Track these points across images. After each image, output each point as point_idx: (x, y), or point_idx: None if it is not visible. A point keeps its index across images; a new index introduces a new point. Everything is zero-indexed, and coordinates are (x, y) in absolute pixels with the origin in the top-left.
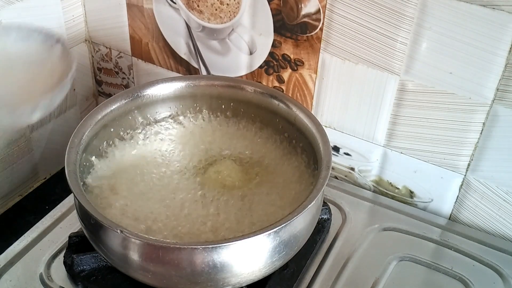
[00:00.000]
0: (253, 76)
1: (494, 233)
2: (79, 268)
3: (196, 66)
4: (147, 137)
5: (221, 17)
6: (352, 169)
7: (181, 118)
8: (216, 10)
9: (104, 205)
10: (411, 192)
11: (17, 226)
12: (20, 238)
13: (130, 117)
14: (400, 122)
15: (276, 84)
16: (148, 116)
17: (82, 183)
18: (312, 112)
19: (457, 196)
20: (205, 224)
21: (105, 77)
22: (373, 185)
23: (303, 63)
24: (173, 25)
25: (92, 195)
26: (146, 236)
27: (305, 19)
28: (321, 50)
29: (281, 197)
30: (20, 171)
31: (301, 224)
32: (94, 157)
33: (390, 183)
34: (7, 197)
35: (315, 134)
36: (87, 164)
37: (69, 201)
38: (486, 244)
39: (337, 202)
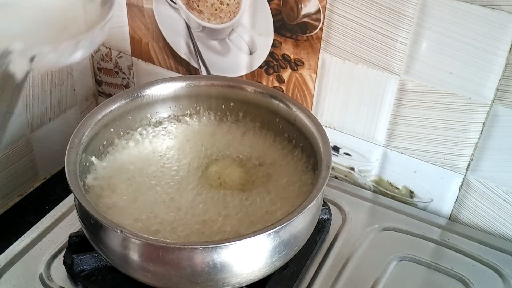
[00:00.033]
0: (253, 76)
1: (494, 233)
2: (79, 268)
3: (196, 66)
4: (147, 137)
5: (221, 17)
6: (352, 169)
7: (181, 118)
8: (216, 10)
9: (104, 205)
10: (411, 192)
11: (17, 226)
12: (20, 238)
13: (130, 117)
14: (400, 122)
15: (276, 84)
16: (148, 116)
17: (82, 183)
18: (312, 112)
19: (457, 196)
20: (205, 224)
21: (105, 77)
22: (373, 185)
23: (303, 63)
24: (173, 25)
25: (92, 195)
26: (146, 236)
27: (305, 19)
28: (321, 50)
29: (281, 197)
30: (20, 171)
31: (301, 224)
32: (94, 157)
33: (390, 183)
34: (7, 197)
35: (315, 134)
36: (87, 164)
37: (69, 201)
38: (486, 244)
39: (337, 202)
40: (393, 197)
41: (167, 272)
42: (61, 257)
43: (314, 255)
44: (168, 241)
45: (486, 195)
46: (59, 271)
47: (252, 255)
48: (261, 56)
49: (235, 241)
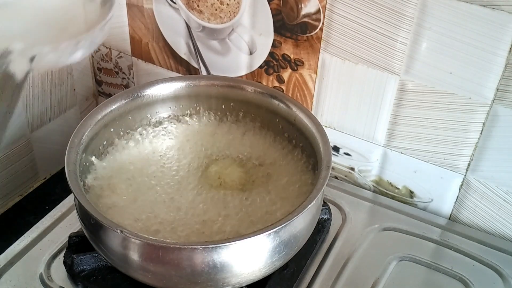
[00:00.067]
0: (253, 76)
1: (494, 233)
2: (79, 268)
3: (196, 66)
4: (147, 137)
5: (221, 17)
6: (352, 169)
7: (181, 118)
8: (216, 10)
9: (104, 205)
10: (411, 192)
11: (17, 226)
12: (20, 238)
13: (130, 117)
14: (400, 122)
15: (276, 84)
16: (148, 116)
17: (82, 183)
18: (312, 112)
19: (457, 196)
20: (205, 224)
21: (105, 77)
22: (373, 185)
23: (303, 63)
24: (173, 25)
25: (92, 195)
26: (146, 236)
27: (305, 19)
28: (321, 50)
29: (281, 197)
30: (20, 171)
31: (301, 224)
32: (94, 157)
33: (390, 183)
34: (7, 197)
35: (315, 134)
36: (87, 164)
37: (69, 201)
38: (486, 244)
39: (337, 202)
40: (393, 197)
41: (167, 272)
42: (61, 257)
43: (314, 255)
44: (168, 241)
45: (486, 195)
46: (59, 271)
47: (252, 255)
48: (261, 56)
49: (235, 241)
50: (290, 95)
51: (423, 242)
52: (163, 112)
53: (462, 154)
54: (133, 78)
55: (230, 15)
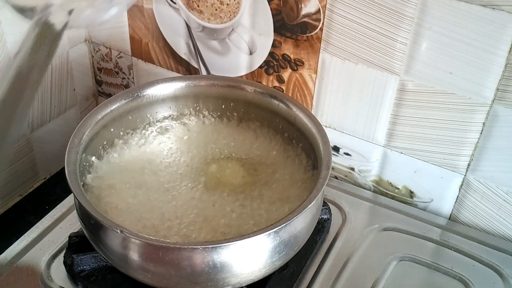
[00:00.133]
0: (253, 76)
1: (494, 233)
2: (79, 268)
3: (196, 66)
4: (147, 137)
5: (221, 17)
6: (352, 169)
7: (181, 118)
8: (216, 10)
9: (104, 205)
10: (411, 192)
11: (17, 226)
12: (20, 238)
13: (130, 117)
14: (400, 122)
15: (276, 84)
16: (148, 116)
17: (82, 183)
18: (312, 112)
19: (457, 196)
20: (205, 224)
21: (105, 77)
22: (373, 185)
23: (303, 63)
24: (173, 25)
25: (92, 195)
26: (146, 236)
27: (305, 19)
28: (321, 50)
29: (281, 197)
30: (20, 171)
31: (301, 224)
32: (94, 157)
33: (390, 183)
34: (7, 197)
35: (315, 134)
36: (87, 164)
37: (69, 201)
38: (486, 244)
39: (337, 202)
40: (393, 197)
41: (167, 272)
42: (61, 257)
43: (314, 255)
44: (168, 241)
45: (486, 195)
46: (59, 271)
47: (252, 255)
48: (261, 56)
49: (235, 241)
50: (290, 95)
51: (423, 242)
52: (163, 112)
53: (462, 154)
54: (133, 78)
55: (230, 15)
